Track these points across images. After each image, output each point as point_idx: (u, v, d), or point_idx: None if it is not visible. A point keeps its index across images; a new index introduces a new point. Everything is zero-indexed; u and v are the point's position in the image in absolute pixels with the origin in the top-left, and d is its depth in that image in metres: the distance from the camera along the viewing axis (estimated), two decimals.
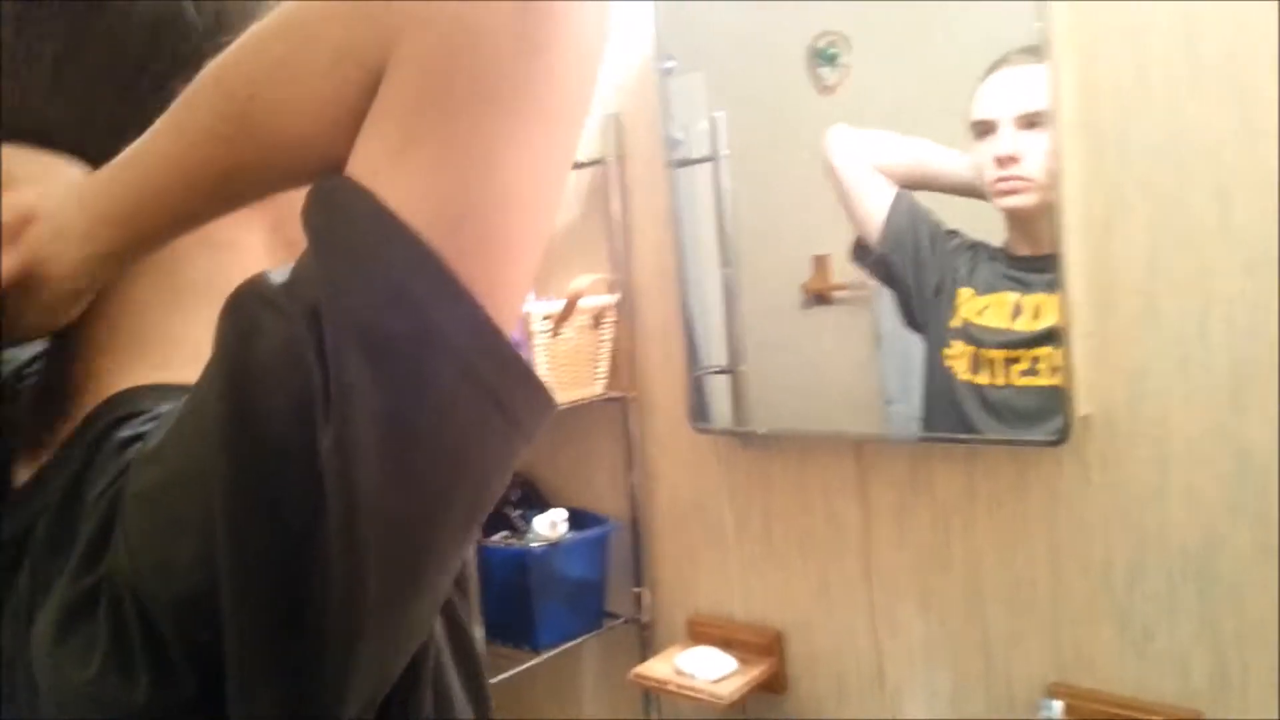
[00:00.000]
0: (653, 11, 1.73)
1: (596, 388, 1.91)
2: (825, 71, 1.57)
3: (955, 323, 1.47)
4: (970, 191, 1.44)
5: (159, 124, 0.45)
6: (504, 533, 1.92)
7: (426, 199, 0.38)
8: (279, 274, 0.40)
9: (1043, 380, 1.39)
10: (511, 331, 0.41)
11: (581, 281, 1.87)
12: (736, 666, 1.74)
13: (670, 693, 1.75)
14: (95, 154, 0.48)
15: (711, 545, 1.86)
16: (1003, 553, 1.50)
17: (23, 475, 0.53)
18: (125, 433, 0.47)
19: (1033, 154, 1.36)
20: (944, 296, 1.48)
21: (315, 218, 0.40)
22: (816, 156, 1.58)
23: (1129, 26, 1.33)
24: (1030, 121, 1.36)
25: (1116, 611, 1.41)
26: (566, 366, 1.86)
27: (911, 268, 1.52)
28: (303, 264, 0.40)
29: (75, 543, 0.44)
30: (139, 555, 0.40)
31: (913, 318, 1.54)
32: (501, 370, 0.40)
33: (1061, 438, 1.37)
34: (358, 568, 0.38)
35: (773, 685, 1.76)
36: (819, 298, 1.64)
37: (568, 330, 1.84)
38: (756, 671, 1.73)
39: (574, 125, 0.42)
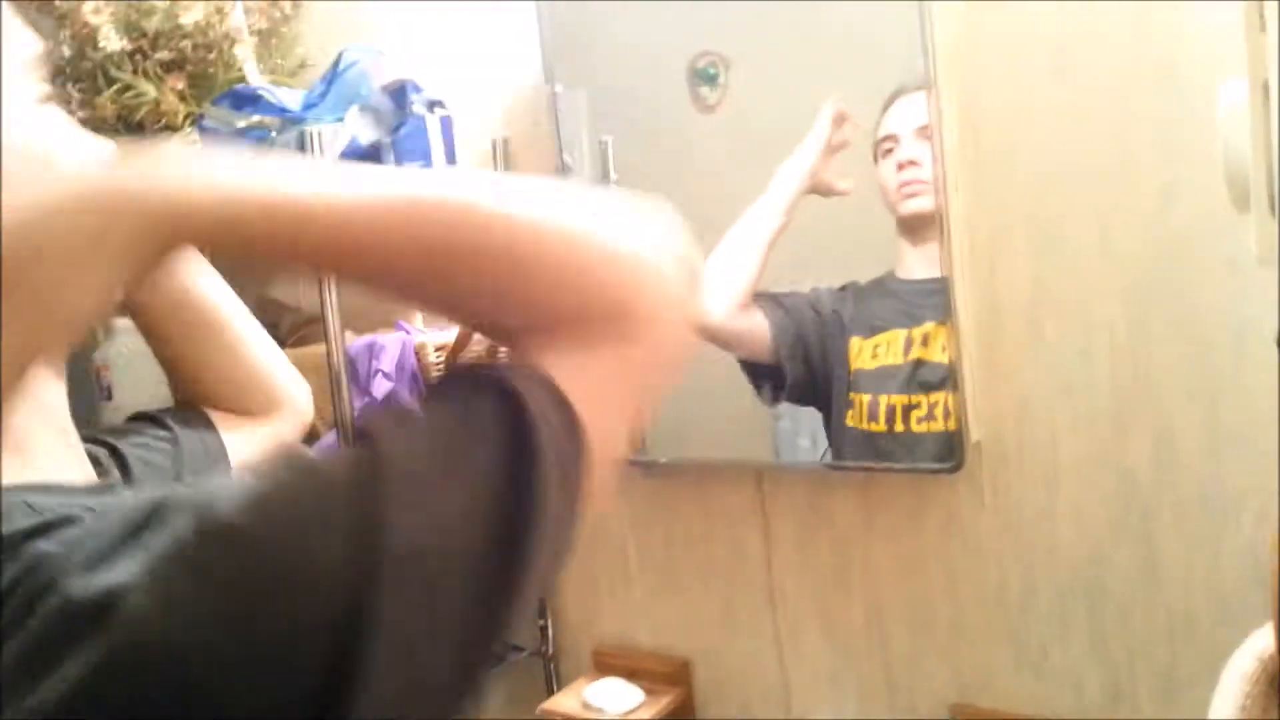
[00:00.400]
0: (538, 32, 1.70)
1: None
2: (705, 91, 1.57)
3: (851, 374, 1.49)
4: (815, 190, 1.48)
5: (387, 192, 0.48)
6: None
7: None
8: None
9: (938, 425, 1.41)
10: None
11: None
12: (644, 698, 1.72)
13: None
14: None
15: (614, 574, 1.84)
16: (902, 577, 1.52)
17: None
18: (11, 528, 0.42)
19: (929, 161, 1.39)
20: (837, 359, 1.51)
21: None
22: (702, 176, 1.59)
23: (1008, 59, 1.35)
24: (927, 134, 1.38)
25: (1012, 631, 1.44)
26: None
27: (816, 368, 1.53)
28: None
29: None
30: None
31: (819, 400, 1.55)
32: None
33: (956, 465, 1.39)
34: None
35: (681, 714, 1.75)
36: None
37: (463, 359, 1.80)
38: (665, 701, 1.72)
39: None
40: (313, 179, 0.47)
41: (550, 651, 1.92)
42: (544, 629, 1.92)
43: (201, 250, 0.52)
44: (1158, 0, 1.24)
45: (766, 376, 1.58)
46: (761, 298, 1.54)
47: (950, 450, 1.40)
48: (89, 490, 0.52)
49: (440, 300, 0.52)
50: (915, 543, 1.50)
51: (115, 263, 0.43)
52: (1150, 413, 1.32)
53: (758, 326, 1.54)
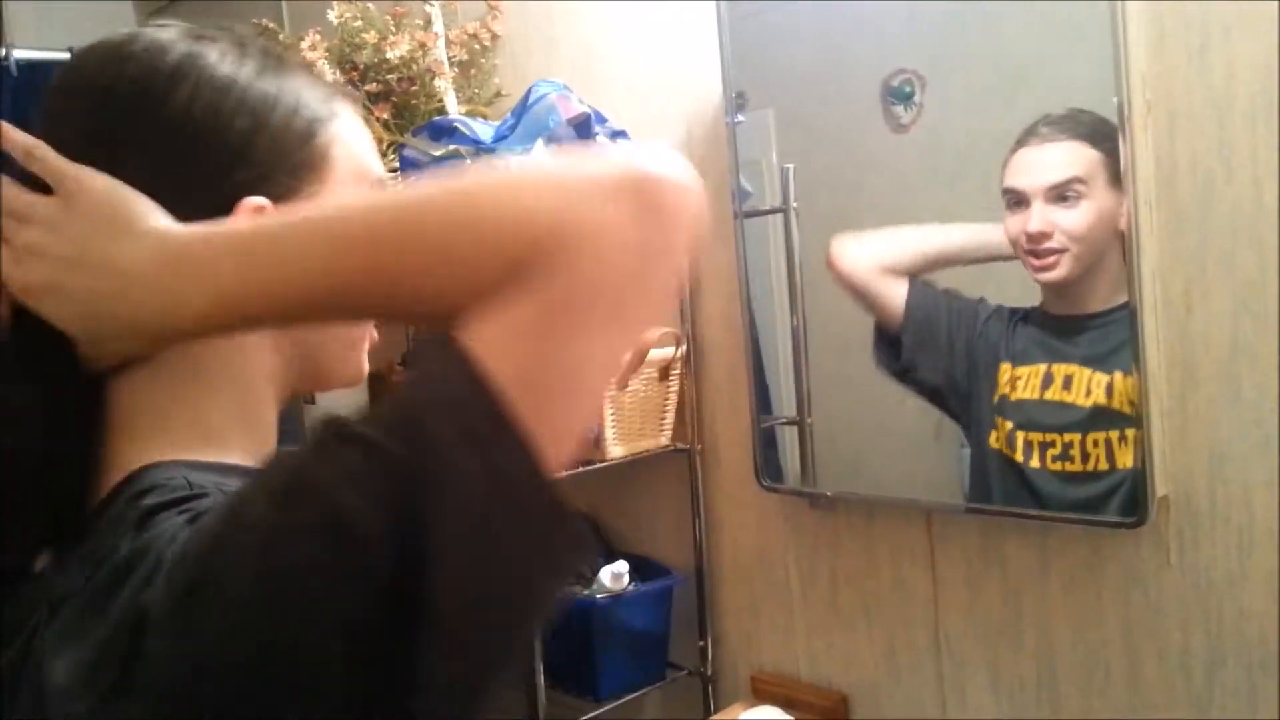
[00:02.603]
0: (720, 60, 1.72)
1: (662, 439, 1.91)
2: (899, 110, 1.55)
3: (997, 398, 1.46)
4: (996, 258, 1.44)
5: (313, 227, 0.51)
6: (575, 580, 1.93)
7: (515, 372, 0.46)
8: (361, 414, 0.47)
9: (1075, 466, 1.37)
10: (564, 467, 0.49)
11: (649, 334, 1.88)
12: None
13: None
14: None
15: (776, 602, 1.84)
16: (1077, 632, 1.46)
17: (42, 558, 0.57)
18: (148, 501, 0.51)
19: (1063, 226, 1.35)
20: (983, 376, 1.48)
21: (417, 365, 0.50)
22: (889, 197, 1.58)
23: (1211, 99, 1.28)
24: (1060, 194, 1.34)
25: (1195, 701, 1.36)
26: (633, 418, 1.87)
27: (943, 360, 1.52)
28: (392, 403, 0.47)
29: (106, 611, 0.46)
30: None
31: (953, 409, 1.53)
32: (544, 509, 0.47)
33: (1140, 519, 1.33)
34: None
35: None
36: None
37: (635, 383, 1.85)
38: None
39: (646, 330, 0.54)
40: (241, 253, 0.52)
41: (709, 673, 1.94)
42: (704, 650, 1.94)
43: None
44: None
45: (889, 344, 1.58)
46: (917, 280, 1.54)
47: (1134, 504, 1.33)
48: (245, 472, 0.57)
49: (386, 311, 0.57)
50: (1091, 597, 1.44)
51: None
52: None
53: (897, 295, 1.55)
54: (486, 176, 0.51)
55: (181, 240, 0.52)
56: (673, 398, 1.91)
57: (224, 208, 0.56)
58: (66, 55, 1.73)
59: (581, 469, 1.79)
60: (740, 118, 1.72)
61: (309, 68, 0.65)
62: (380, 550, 0.42)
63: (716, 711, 1.86)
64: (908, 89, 1.53)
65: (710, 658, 1.94)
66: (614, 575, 1.88)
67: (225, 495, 0.50)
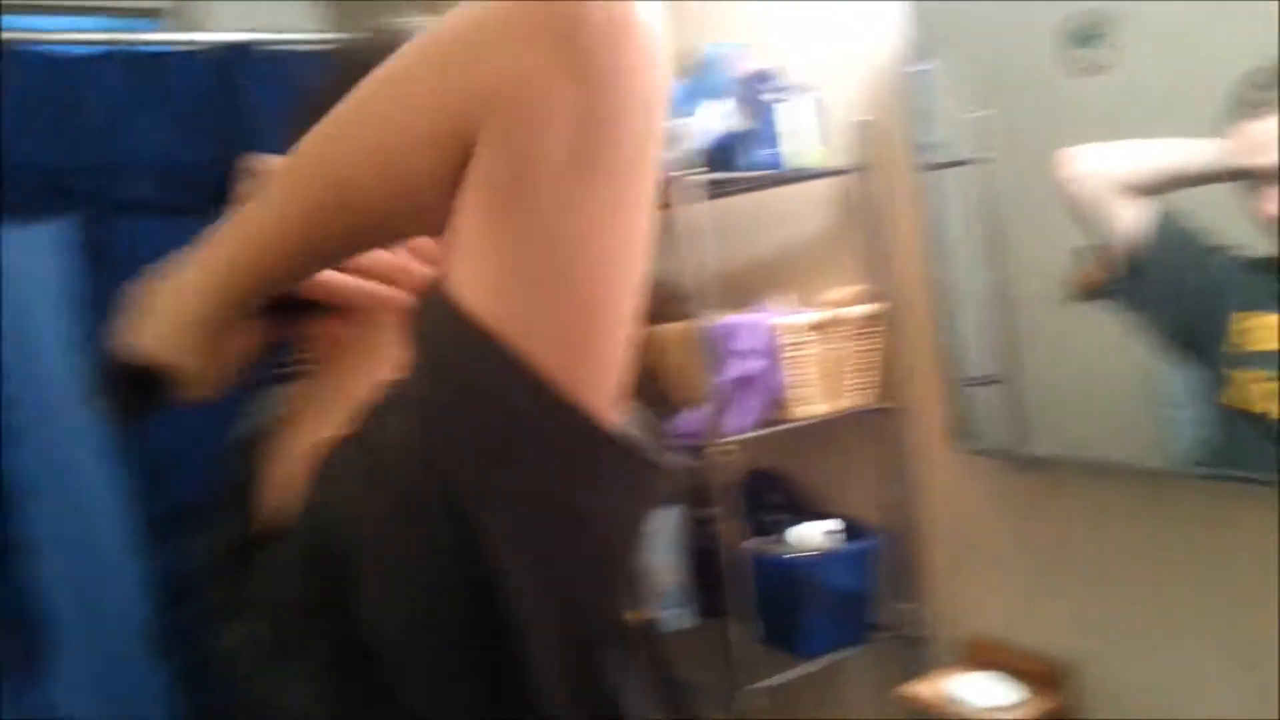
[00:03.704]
0: (901, 12, 1.62)
1: (858, 398, 1.86)
2: (1086, 54, 1.41)
3: (1235, 350, 1.30)
4: (1226, 178, 1.28)
5: (258, 202, 0.50)
6: (768, 538, 1.92)
7: (514, 295, 0.42)
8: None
9: None
10: (609, 390, 0.45)
11: (841, 292, 1.82)
12: (1020, 696, 1.64)
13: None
14: None
15: (981, 566, 1.76)
16: None
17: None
18: None
19: None
20: (1216, 322, 1.32)
21: (415, 332, 0.45)
22: (1083, 141, 1.44)
23: None
24: None
25: None
26: (830, 377, 1.82)
27: (1173, 291, 1.37)
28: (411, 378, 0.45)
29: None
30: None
31: (1178, 345, 1.38)
32: (593, 441, 0.44)
33: None
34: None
35: (1058, 717, 1.65)
36: (1096, 292, 1.49)
37: (830, 341, 1.80)
38: (1041, 703, 1.63)
39: (640, 184, 0.44)
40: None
41: (916, 635, 1.89)
42: (907, 611, 1.89)
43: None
44: None
45: (1114, 272, 1.44)
46: (1156, 204, 1.39)
47: None
48: None
49: (391, 230, 0.50)
50: None
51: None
52: None
53: (1129, 218, 1.39)
54: (396, 60, 0.45)
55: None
56: (868, 356, 1.85)
57: None
58: (253, 37, 1.77)
59: (777, 428, 1.77)
60: (923, 67, 1.62)
61: None
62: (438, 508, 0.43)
63: (926, 675, 1.80)
64: (1095, 30, 1.40)
65: (916, 619, 1.89)
66: (822, 533, 1.86)
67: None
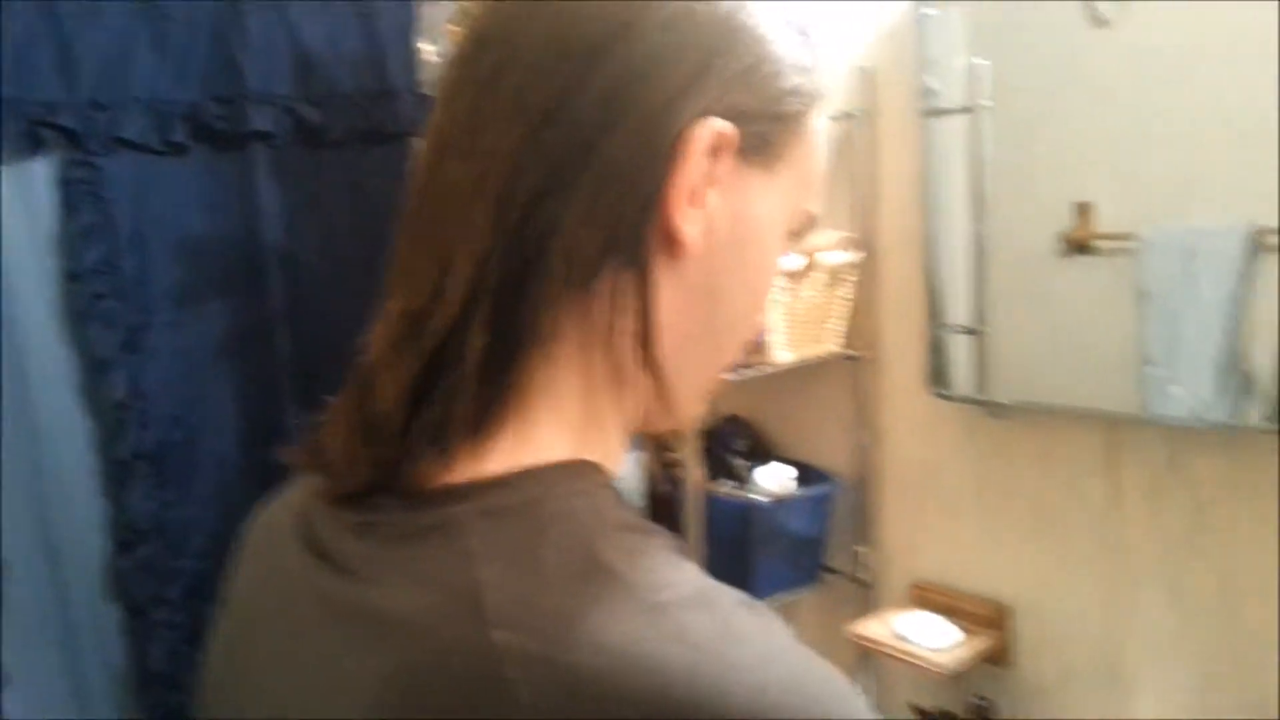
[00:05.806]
0: None
1: (832, 345, 1.90)
2: (1102, 5, 1.46)
3: None
4: None
5: None
6: (730, 482, 1.95)
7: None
8: None
9: None
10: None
11: (822, 238, 1.86)
12: (961, 636, 1.71)
13: (888, 656, 1.74)
14: None
15: (941, 511, 1.82)
16: (1266, 550, 1.39)
17: None
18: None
19: None
20: None
21: None
22: (1089, 96, 1.49)
23: None
24: None
25: None
26: (803, 323, 1.86)
27: None
28: None
29: None
30: None
31: None
32: None
33: None
34: None
35: (997, 658, 1.72)
36: (1080, 248, 1.55)
37: (806, 287, 1.84)
38: (980, 643, 1.70)
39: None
40: None
41: (866, 578, 1.94)
42: (859, 555, 1.94)
43: None
44: None
45: None
46: None
47: None
48: None
49: None
50: None
51: None
52: None
53: None
54: None
55: None
56: (844, 304, 1.89)
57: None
58: None
59: (747, 373, 1.80)
60: (929, 10, 1.67)
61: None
62: None
63: (873, 615, 1.85)
64: None
65: (867, 563, 1.94)
66: (777, 480, 1.90)
67: None
